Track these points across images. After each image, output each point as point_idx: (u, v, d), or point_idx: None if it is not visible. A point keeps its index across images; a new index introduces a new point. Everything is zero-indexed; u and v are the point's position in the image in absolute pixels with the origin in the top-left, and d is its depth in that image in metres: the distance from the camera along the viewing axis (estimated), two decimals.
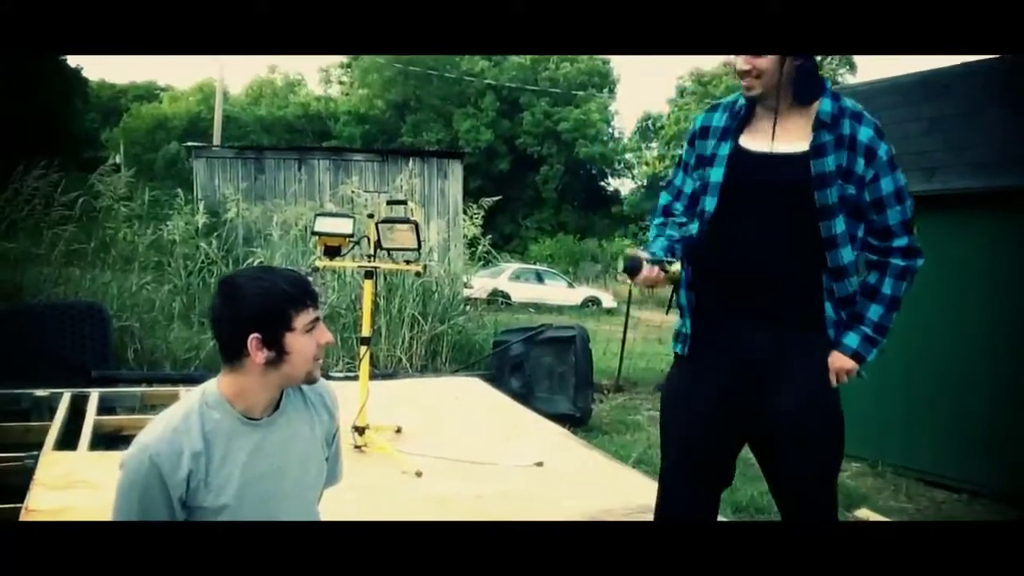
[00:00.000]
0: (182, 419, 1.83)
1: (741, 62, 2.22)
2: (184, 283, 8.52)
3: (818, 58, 2.33)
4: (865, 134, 2.26)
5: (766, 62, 2.18)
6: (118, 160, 9.28)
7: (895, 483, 5.87)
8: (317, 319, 1.87)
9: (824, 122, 2.24)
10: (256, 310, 1.80)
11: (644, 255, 2.31)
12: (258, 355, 1.80)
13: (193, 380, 6.95)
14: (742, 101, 2.36)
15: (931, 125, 6.12)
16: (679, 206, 2.52)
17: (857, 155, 2.24)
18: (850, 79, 35.98)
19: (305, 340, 1.85)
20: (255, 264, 8.63)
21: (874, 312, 2.32)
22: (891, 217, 2.29)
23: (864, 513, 5.01)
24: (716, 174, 2.34)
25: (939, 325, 5.91)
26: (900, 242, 2.31)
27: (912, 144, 6.18)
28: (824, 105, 2.26)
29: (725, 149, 2.34)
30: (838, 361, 2.30)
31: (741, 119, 2.35)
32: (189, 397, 1.91)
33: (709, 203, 2.35)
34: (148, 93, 41.78)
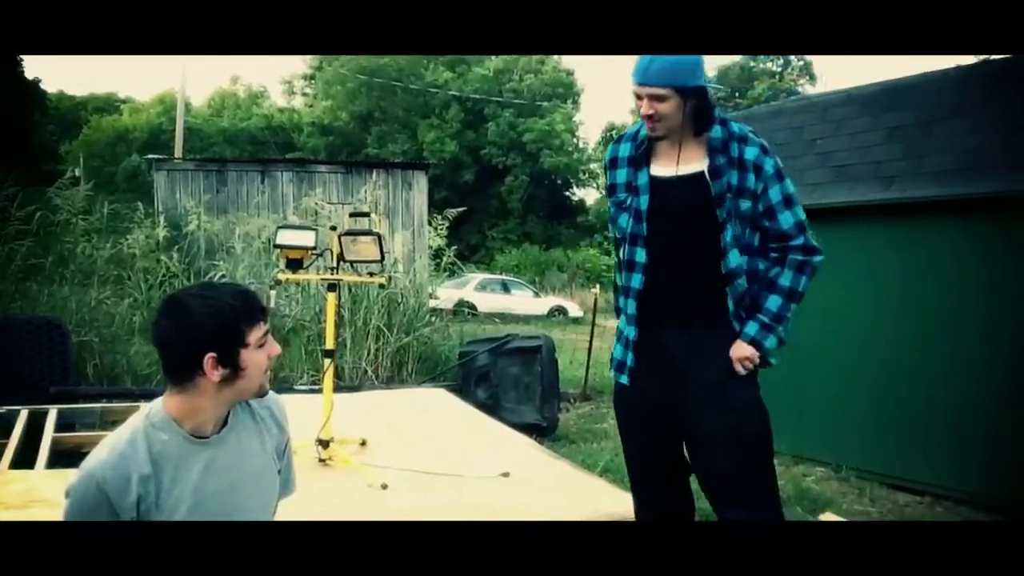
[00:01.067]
0: (127, 443, 1.79)
1: (646, 106, 2.43)
2: (145, 297, 8.38)
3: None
4: (751, 153, 2.50)
5: (667, 107, 2.41)
6: (77, 173, 9.15)
7: (859, 487, 5.92)
8: (267, 332, 1.87)
9: (716, 147, 2.50)
10: (210, 329, 1.77)
11: None
12: (214, 374, 1.78)
13: (155, 395, 6.85)
14: (643, 132, 2.58)
15: (889, 135, 6.21)
16: (614, 235, 2.76)
17: (747, 172, 2.49)
18: (810, 89, 36.50)
19: (258, 354, 1.84)
20: (217, 277, 8.55)
21: (772, 303, 2.53)
22: (783, 221, 2.53)
23: (828, 517, 5.05)
24: (643, 202, 2.57)
25: (901, 330, 5.99)
26: (796, 241, 2.53)
27: (871, 153, 6.29)
28: (715, 132, 2.51)
29: (644, 178, 2.58)
30: (738, 350, 2.52)
31: (646, 149, 2.59)
32: (133, 419, 1.87)
33: (642, 228, 2.57)
34: (108, 105, 41.32)
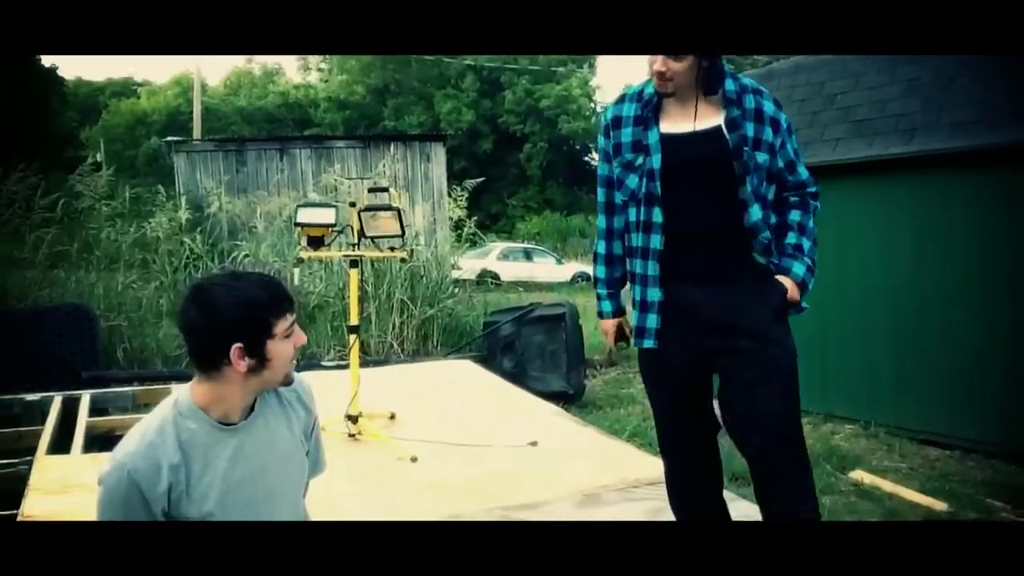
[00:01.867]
0: (156, 432, 1.81)
1: (659, 64, 2.40)
2: (170, 280, 8.46)
3: None
4: (769, 107, 2.53)
5: (681, 66, 2.39)
6: (99, 159, 9.22)
7: (888, 443, 5.90)
8: (294, 322, 1.87)
9: (731, 99, 2.49)
10: (237, 320, 1.78)
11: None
12: (240, 364, 1.78)
13: (185, 377, 6.94)
14: (649, 89, 2.55)
15: (908, 88, 6.12)
16: (618, 195, 2.65)
17: (765, 125, 2.51)
18: None
19: (284, 345, 1.84)
20: (240, 257, 8.61)
21: (806, 245, 2.60)
22: (802, 173, 2.62)
23: (859, 474, 5.05)
24: (656, 161, 2.51)
25: (921, 283, 5.94)
26: (812, 188, 2.65)
27: (890, 107, 6.20)
28: (728, 84, 2.50)
29: (654, 136, 2.53)
30: (792, 292, 2.54)
31: (654, 107, 2.54)
32: (161, 408, 1.89)
33: (657, 187, 2.52)
34: (126, 89, 41.41)
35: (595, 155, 41.57)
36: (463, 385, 6.12)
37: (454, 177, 13.29)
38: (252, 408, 1.93)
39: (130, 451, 1.79)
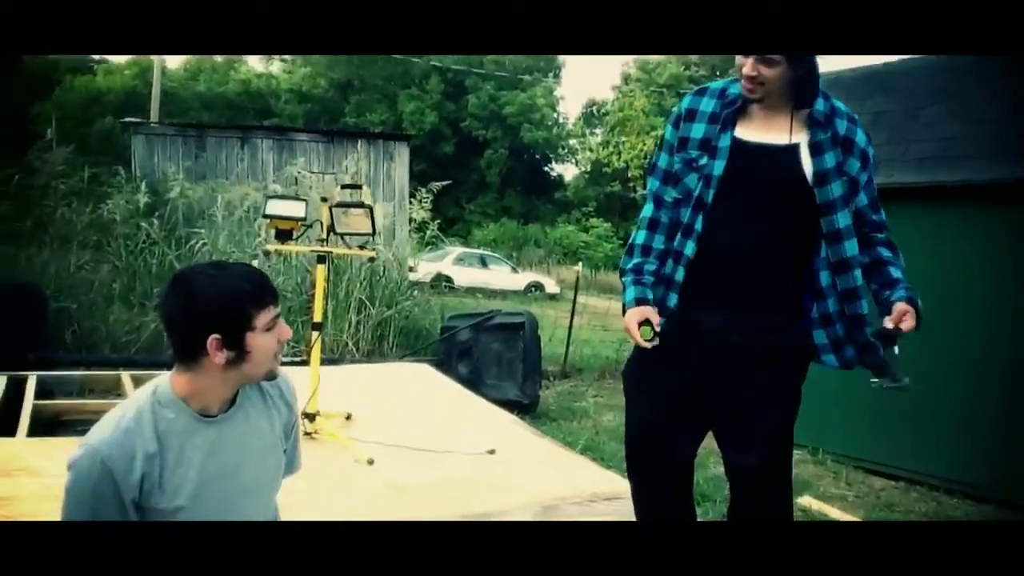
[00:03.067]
0: (133, 419, 1.76)
1: (749, 68, 2.24)
2: (125, 263, 8.28)
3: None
4: (861, 138, 2.35)
5: (773, 72, 2.22)
6: (49, 135, 8.98)
7: (835, 470, 6.01)
8: (277, 316, 1.82)
9: (818, 120, 2.30)
10: (216, 310, 1.73)
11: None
12: (218, 356, 1.74)
13: (134, 363, 6.80)
14: (734, 89, 2.38)
15: (875, 119, 6.24)
16: (671, 192, 2.49)
17: (853, 157, 2.32)
18: None
19: (265, 338, 1.80)
20: (198, 246, 8.46)
21: (896, 272, 2.38)
22: (882, 213, 2.44)
23: (807, 500, 5.12)
24: (718, 167, 2.35)
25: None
26: (888, 234, 2.45)
27: None
28: (818, 104, 2.30)
29: (726, 141, 2.35)
30: (902, 306, 2.26)
31: (736, 109, 2.37)
32: (139, 395, 1.84)
33: (709, 195, 2.36)
34: (82, 65, 40.51)
35: (555, 165, 41.88)
36: (420, 389, 6.08)
37: (414, 178, 13.22)
38: (234, 401, 1.89)
39: (105, 437, 1.73)
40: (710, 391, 2.43)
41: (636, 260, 2.52)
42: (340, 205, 4.50)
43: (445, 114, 36.89)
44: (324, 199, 4.59)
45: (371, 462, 4.13)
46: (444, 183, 11.75)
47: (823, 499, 5.22)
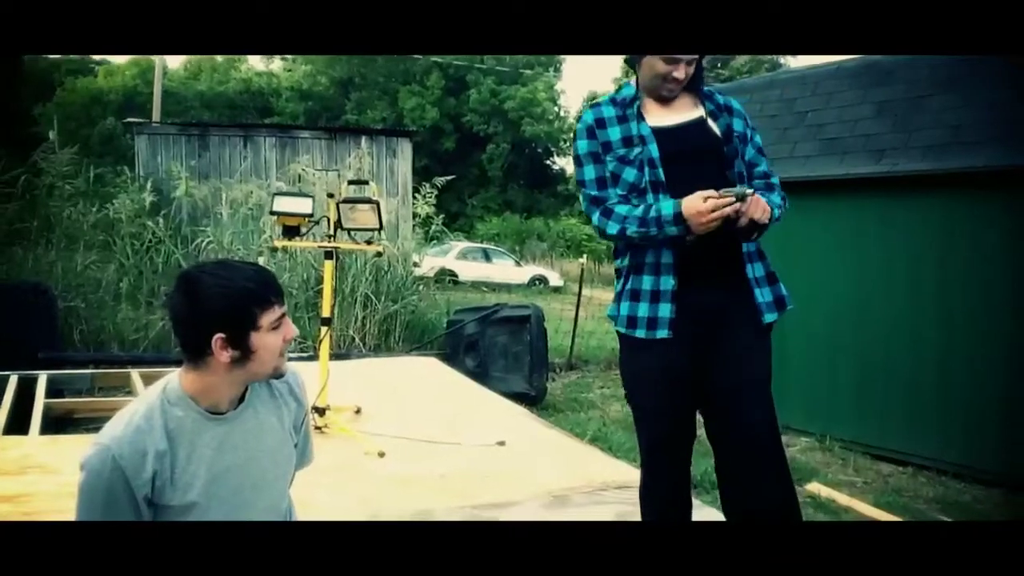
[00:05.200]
0: (143, 418, 1.78)
1: (681, 72, 2.49)
2: (131, 262, 8.32)
3: None
4: (734, 103, 2.69)
5: (691, 69, 2.52)
6: (52, 136, 9.01)
7: (842, 457, 6.02)
8: (283, 315, 1.83)
9: (707, 95, 2.65)
10: (220, 310, 1.74)
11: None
12: (223, 355, 1.75)
13: (142, 361, 6.83)
14: (624, 92, 2.65)
15: (879, 108, 6.25)
16: (613, 192, 2.57)
17: (735, 117, 2.64)
18: (793, 63, 36.44)
19: (271, 337, 1.80)
20: (204, 244, 8.49)
21: (777, 199, 2.58)
22: (765, 164, 2.69)
23: (815, 487, 5.14)
24: (654, 150, 2.53)
25: (888, 303, 6.07)
26: (775, 179, 2.67)
27: (861, 127, 6.32)
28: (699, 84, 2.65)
29: (646, 130, 2.56)
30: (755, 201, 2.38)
31: (637, 106, 2.60)
32: (150, 393, 1.85)
33: (659, 173, 2.51)
34: (83, 67, 40.56)
35: (556, 159, 41.81)
36: (429, 381, 6.11)
37: (416, 174, 13.25)
38: (243, 398, 1.91)
39: (116, 435, 1.75)
40: (699, 361, 2.51)
41: (626, 207, 2.52)
42: (347, 201, 4.52)
43: (446, 110, 36.85)
44: (331, 195, 4.61)
45: (382, 454, 4.16)
46: (448, 178, 11.75)
47: (832, 485, 5.23)
